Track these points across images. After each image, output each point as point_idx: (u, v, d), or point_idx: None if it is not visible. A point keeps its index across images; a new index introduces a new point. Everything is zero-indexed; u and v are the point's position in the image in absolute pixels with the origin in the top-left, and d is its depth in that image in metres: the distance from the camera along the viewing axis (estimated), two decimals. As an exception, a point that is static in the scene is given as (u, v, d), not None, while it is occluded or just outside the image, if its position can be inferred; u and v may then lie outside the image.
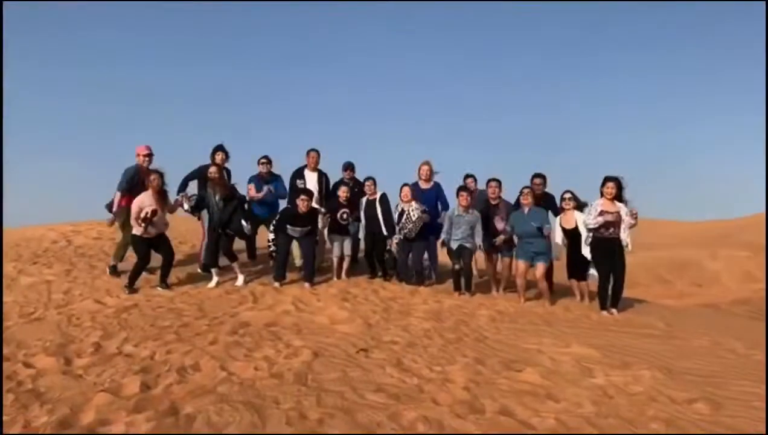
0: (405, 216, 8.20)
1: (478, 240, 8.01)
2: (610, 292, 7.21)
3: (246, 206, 8.21)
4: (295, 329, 5.65)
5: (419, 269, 8.34)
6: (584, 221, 7.25)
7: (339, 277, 8.45)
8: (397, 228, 8.27)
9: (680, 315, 8.43)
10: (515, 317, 6.66)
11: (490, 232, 8.12)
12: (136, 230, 7.39)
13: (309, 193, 8.14)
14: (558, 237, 7.73)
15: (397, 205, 8.41)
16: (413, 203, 8.19)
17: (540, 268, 7.54)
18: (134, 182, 7.85)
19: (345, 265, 8.56)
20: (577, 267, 7.74)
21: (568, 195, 7.73)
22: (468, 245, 7.95)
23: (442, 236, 8.18)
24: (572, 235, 7.62)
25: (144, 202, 7.35)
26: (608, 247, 7.12)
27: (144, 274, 7.77)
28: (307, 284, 7.83)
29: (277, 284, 7.80)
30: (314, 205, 8.30)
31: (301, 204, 7.90)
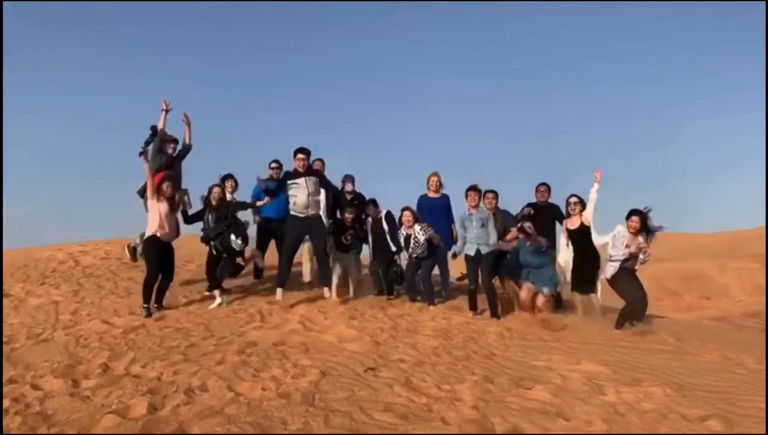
0: (412, 240, 8.04)
1: (493, 238, 7.81)
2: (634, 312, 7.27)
3: (256, 210, 8.20)
4: (302, 348, 5.63)
5: (428, 288, 8.16)
6: (609, 255, 7.23)
7: (346, 295, 8.38)
8: (407, 254, 8.19)
9: (690, 329, 8.36)
10: (524, 334, 6.62)
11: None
12: (153, 229, 7.33)
13: (306, 151, 8.04)
14: (563, 257, 7.71)
15: (399, 231, 8.25)
16: (416, 226, 8.03)
17: (540, 299, 7.57)
18: (156, 148, 7.84)
19: (351, 283, 8.53)
20: (582, 279, 7.63)
21: (574, 199, 7.71)
22: (485, 250, 7.70)
23: (455, 247, 8.10)
24: (577, 237, 7.55)
25: (160, 208, 7.37)
26: (629, 275, 7.22)
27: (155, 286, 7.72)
28: (326, 289, 7.94)
29: (279, 292, 7.79)
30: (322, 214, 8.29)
31: (298, 163, 7.91)
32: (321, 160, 8.85)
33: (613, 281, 7.25)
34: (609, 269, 7.23)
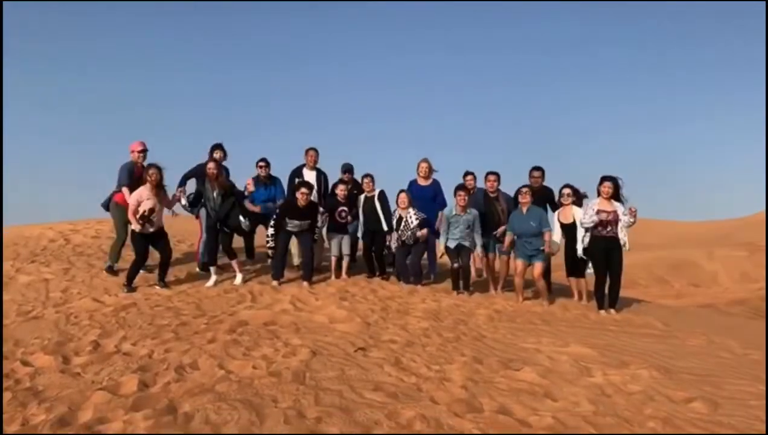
0: (403, 222, 8.22)
1: (478, 239, 8.03)
2: (607, 292, 7.25)
3: (244, 202, 8.21)
4: (293, 328, 5.65)
5: (417, 271, 8.31)
6: (580, 220, 7.27)
7: (338, 276, 8.45)
8: (396, 234, 8.28)
9: (678, 315, 8.45)
10: (513, 316, 6.67)
11: (490, 226, 8.14)
12: (135, 226, 7.37)
13: (309, 186, 8.12)
14: (557, 235, 7.74)
15: (394, 211, 8.40)
16: (411, 210, 8.21)
17: (537, 267, 7.53)
18: (132, 180, 7.85)
19: (344, 264, 8.56)
20: (575, 264, 7.75)
21: (567, 190, 7.74)
22: (466, 244, 7.96)
23: (440, 239, 8.18)
24: (570, 230, 7.63)
25: (142, 195, 7.31)
26: (605, 247, 7.15)
27: (142, 272, 7.77)
28: (305, 283, 7.82)
29: (275, 283, 7.79)
30: (313, 200, 8.31)
31: (301, 197, 7.88)
32: (314, 149, 8.87)
33: (588, 252, 7.31)
34: (585, 239, 7.27)
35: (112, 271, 8.10)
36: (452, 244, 7.99)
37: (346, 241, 8.52)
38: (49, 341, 5.08)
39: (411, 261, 8.32)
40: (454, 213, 7.97)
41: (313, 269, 8.16)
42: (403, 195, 8.33)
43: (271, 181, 8.78)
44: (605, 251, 7.16)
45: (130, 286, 7.24)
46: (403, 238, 8.22)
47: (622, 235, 7.14)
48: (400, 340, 5.28)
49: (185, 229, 11.19)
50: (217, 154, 8.38)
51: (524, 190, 7.74)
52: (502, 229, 8.01)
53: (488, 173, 8.34)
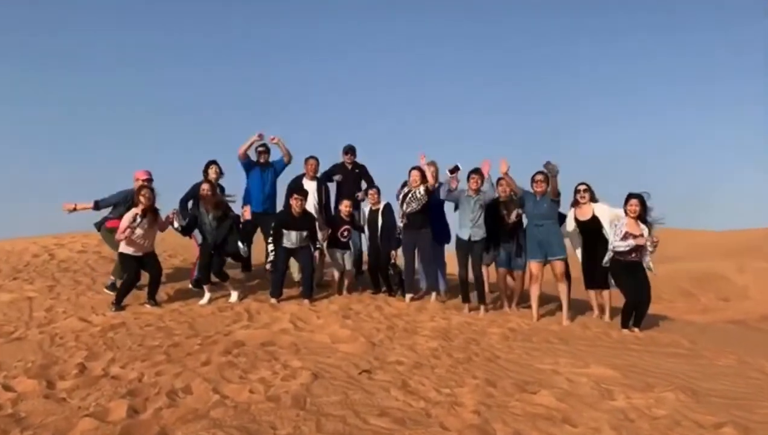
0: (410, 195, 8.09)
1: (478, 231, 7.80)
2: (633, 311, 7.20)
3: (241, 225, 8.25)
4: (293, 349, 5.65)
5: (431, 269, 8.24)
6: (611, 243, 7.15)
7: (340, 292, 8.45)
8: (401, 210, 8.18)
9: (705, 332, 8.41)
10: (529, 335, 6.65)
11: (499, 234, 8.04)
12: (124, 248, 7.43)
13: (302, 192, 8.14)
14: (570, 225, 7.69)
15: (403, 188, 8.36)
16: (422, 187, 8.05)
17: (558, 266, 7.41)
18: (128, 206, 7.83)
19: (347, 280, 8.57)
20: (595, 274, 7.65)
21: (583, 186, 7.68)
22: (477, 236, 7.72)
23: (442, 193, 8.00)
24: (588, 230, 7.55)
25: (135, 219, 7.40)
26: (631, 268, 7.12)
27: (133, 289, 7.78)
28: (306, 301, 7.82)
29: (274, 301, 7.80)
30: (311, 210, 8.35)
31: (295, 203, 7.91)
32: (315, 158, 8.94)
33: (613, 273, 7.26)
34: (608, 256, 7.21)
35: (115, 288, 7.93)
36: (464, 235, 7.78)
37: (348, 256, 8.55)
38: (32, 364, 5.08)
39: (422, 261, 8.28)
40: (467, 194, 7.80)
41: (313, 286, 8.15)
42: (415, 172, 8.14)
43: (270, 166, 8.90)
44: (632, 272, 7.13)
45: (118, 305, 7.27)
46: (409, 210, 8.07)
47: (647, 260, 7.11)
48: (408, 361, 5.27)
49: (177, 244, 11.22)
50: (211, 172, 8.40)
51: (539, 177, 7.53)
52: (515, 213, 7.89)
53: (472, 172, 8.03)
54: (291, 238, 7.94)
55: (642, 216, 7.09)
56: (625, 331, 7.07)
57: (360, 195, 8.92)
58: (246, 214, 8.56)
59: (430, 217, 8.19)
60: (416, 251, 8.28)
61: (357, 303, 7.89)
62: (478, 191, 7.78)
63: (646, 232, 7.06)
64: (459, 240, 7.88)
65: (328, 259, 8.90)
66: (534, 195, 7.58)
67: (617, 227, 7.14)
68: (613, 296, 7.70)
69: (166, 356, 5.27)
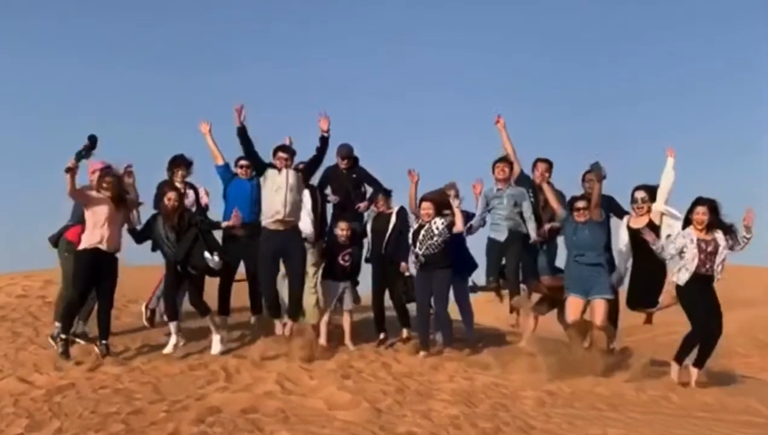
0: (424, 231, 7.87)
1: (532, 228, 7.81)
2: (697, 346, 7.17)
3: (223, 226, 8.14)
4: (280, 417, 5.64)
5: (446, 324, 8.15)
6: (668, 252, 7.18)
7: (328, 339, 8.30)
8: (413, 251, 7.98)
9: (790, 396, 8.34)
10: (570, 400, 6.62)
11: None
12: (85, 242, 7.37)
13: (290, 151, 8.02)
14: (622, 242, 7.72)
15: (415, 222, 8.18)
16: (438, 219, 7.88)
17: (599, 306, 7.36)
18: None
19: (347, 325, 8.48)
20: (644, 291, 7.66)
21: (642, 194, 7.67)
22: (518, 231, 7.71)
23: (473, 221, 8.06)
24: (641, 238, 7.46)
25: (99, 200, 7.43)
26: (703, 286, 7.08)
27: (83, 343, 7.75)
28: (288, 322, 7.85)
29: (276, 323, 7.98)
30: (306, 219, 8.32)
31: (280, 163, 7.83)
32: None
33: (682, 292, 7.16)
34: (683, 274, 7.11)
35: (62, 339, 7.50)
36: (500, 235, 7.73)
37: (348, 292, 8.43)
38: (-39, 436, 5.09)
39: (436, 306, 8.10)
40: (494, 190, 7.80)
41: (300, 305, 8.06)
42: (426, 203, 8.01)
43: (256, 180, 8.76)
44: (703, 291, 7.09)
45: (65, 341, 7.18)
46: (423, 250, 7.87)
47: (718, 269, 7.05)
48: (422, 432, 5.26)
49: (139, 286, 11.20)
50: (177, 175, 8.45)
51: (580, 204, 7.54)
52: (546, 228, 7.91)
53: (537, 161, 8.27)
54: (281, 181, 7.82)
55: (713, 225, 7.06)
56: (677, 366, 7.02)
57: (362, 206, 8.77)
58: (235, 219, 7.97)
59: (450, 247, 8.02)
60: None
61: (358, 359, 7.86)
62: (508, 182, 7.76)
63: (720, 237, 7.02)
64: (491, 241, 7.86)
65: (318, 294, 8.61)
66: (574, 221, 7.58)
67: (679, 235, 7.14)
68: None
69: (125, 426, 5.28)
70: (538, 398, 6.60)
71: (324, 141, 8.03)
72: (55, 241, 8.02)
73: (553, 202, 7.65)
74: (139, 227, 7.86)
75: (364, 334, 8.83)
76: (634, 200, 7.72)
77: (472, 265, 8.53)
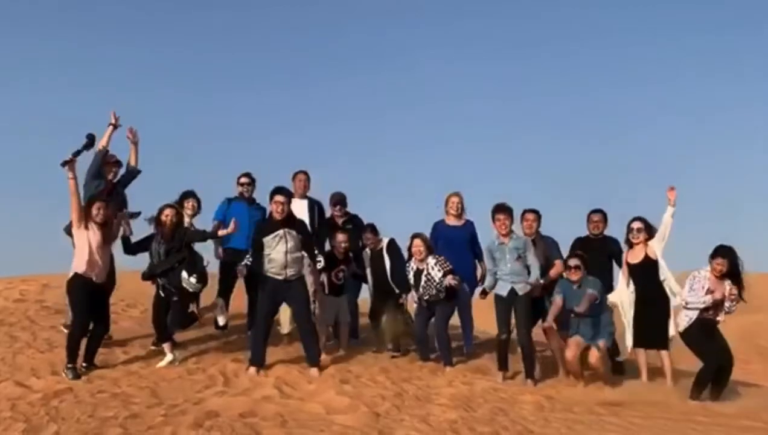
0: (424, 277, 7.93)
1: (536, 273, 7.75)
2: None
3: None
4: (278, 421, 5.64)
5: (444, 341, 8.11)
6: (684, 301, 7.26)
7: (325, 349, 8.30)
8: (415, 295, 8.15)
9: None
10: (569, 405, 6.63)
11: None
12: (78, 266, 7.34)
13: (286, 193, 7.79)
14: (621, 298, 7.74)
15: (408, 264, 8.24)
16: (431, 259, 7.95)
17: (594, 355, 7.33)
18: (94, 170, 8.05)
19: (342, 334, 8.59)
20: (648, 328, 7.65)
21: (637, 224, 7.74)
22: (522, 290, 7.63)
23: (485, 282, 8.06)
24: (640, 274, 7.60)
25: (90, 238, 7.39)
26: (709, 327, 7.24)
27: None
28: (314, 369, 7.44)
29: (252, 370, 7.34)
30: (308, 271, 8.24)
31: (276, 208, 7.55)
32: (305, 172, 8.97)
33: (687, 335, 7.27)
34: (682, 320, 7.27)
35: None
36: (503, 291, 7.70)
37: (344, 305, 8.55)
38: (-42, 440, 5.10)
39: (436, 329, 8.14)
40: (496, 244, 7.81)
41: (318, 346, 7.77)
42: (417, 241, 8.07)
43: (256, 208, 8.88)
44: (710, 331, 7.23)
45: (73, 368, 7.08)
46: (427, 297, 8.00)
47: (720, 317, 7.26)
48: (420, 436, 5.26)
49: (136, 290, 11.20)
50: (188, 206, 8.51)
51: (572, 263, 7.59)
52: (551, 316, 7.66)
53: (525, 211, 8.31)
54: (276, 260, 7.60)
55: (730, 274, 7.18)
56: (694, 403, 7.04)
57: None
58: (232, 228, 7.71)
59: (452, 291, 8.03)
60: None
61: (357, 364, 7.87)
62: (509, 235, 7.77)
63: (727, 285, 7.15)
64: (498, 297, 7.81)
65: (315, 308, 8.63)
66: (570, 284, 7.62)
67: (695, 281, 7.25)
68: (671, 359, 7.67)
69: (122, 430, 5.28)
70: (536, 403, 6.61)
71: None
72: (69, 229, 7.90)
73: (555, 276, 7.95)
74: (133, 238, 7.82)
75: (362, 339, 8.84)
76: (630, 229, 7.79)
77: (472, 281, 8.59)
